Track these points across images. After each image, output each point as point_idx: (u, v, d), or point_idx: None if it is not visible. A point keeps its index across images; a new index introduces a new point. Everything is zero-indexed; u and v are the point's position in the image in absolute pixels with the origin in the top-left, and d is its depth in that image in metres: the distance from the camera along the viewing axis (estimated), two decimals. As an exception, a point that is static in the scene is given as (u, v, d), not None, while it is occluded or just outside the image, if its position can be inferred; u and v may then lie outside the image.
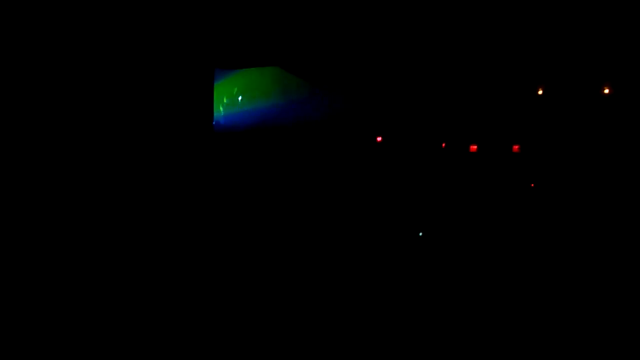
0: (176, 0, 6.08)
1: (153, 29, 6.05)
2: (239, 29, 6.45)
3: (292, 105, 7.69)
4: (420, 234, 4.92)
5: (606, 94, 5.76)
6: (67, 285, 4.00)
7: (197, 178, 6.27)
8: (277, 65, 7.14)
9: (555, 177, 5.94)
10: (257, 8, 6.35)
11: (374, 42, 6.61)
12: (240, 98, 8.14)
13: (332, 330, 3.43)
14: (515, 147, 6.18)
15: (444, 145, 6.49)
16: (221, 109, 9.00)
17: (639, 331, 3.31)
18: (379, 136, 6.75)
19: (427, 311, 3.71)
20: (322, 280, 4.21)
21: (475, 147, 6.34)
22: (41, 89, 5.45)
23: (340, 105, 7.25)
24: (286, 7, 6.36)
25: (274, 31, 6.59)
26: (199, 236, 5.18)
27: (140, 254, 4.66)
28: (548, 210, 5.61)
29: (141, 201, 5.66)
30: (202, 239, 5.13)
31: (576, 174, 5.84)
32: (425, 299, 3.89)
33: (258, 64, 7.01)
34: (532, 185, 5.95)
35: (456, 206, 5.93)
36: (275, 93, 7.82)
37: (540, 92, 6.15)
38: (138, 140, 6.00)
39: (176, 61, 6.32)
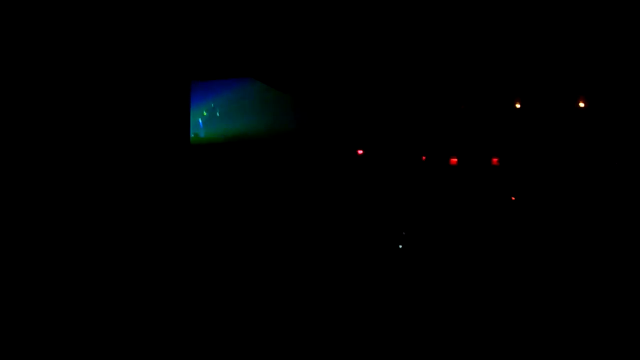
0: (151, 11, 5.91)
1: (126, 41, 5.88)
2: (214, 40, 6.32)
3: (271, 118, 7.58)
4: (400, 246, 4.92)
5: (581, 107, 5.89)
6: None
7: (175, 191, 6.12)
8: (253, 77, 6.99)
9: (535, 188, 5.99)
10: (233, 18, 6.23)
11: (352, 52, 6.55)
12: (217, 113, 8.04)
13: (313, 340, 3.48)
14: (495, 160, 6.23)
15: (424, 158, 6.50)
16: (200, 121, 8.83)
17: (624, 336, 3.39)
18: (360, 149, 6.69)
19: (407, 318, 3.78)
20: (301, 293, 4.23)
21: (456, 159, 6.35)
22: (14, 101, 5.22)
23: (318, 116, 7.19)
24: (262, 17, 6.26)
25: (249, 42, 6.48)
26: (178, 248, 5.14)
27: (110, 267, 4.61)
28: (528, 222, 5.65)
29: (115, 214, 5.46)
30: (182, 250, 5.11)
31: (555, 185, 5.90)
32: (406, 306, 3.98)
33: (233, 74, 6.85)
34: (513, 198, 5.99)
35: (437, 218, 5.94)
36: (254, 105, 7.71)
37: (517, 105, 6.20)
38: (112, 154, 5.80)
39: (151, 74, 6.16)
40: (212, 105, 7.58)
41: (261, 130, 7.52)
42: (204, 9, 5.97)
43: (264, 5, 6.06)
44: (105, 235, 5.14)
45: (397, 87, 6.56)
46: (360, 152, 6.66)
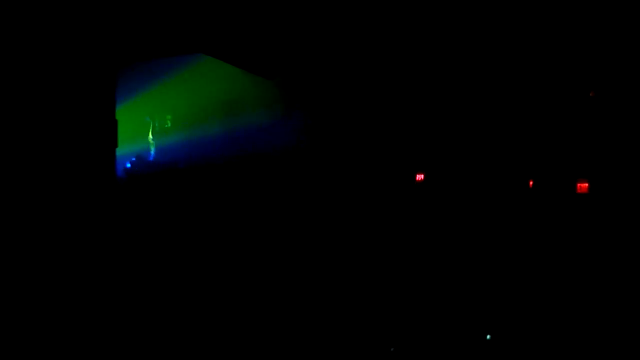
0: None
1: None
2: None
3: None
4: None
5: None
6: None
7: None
8: (203, 52, 4.68)
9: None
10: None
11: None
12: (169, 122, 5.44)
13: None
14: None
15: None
16: (150, 138, 6.23)
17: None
18: (420, 173, 5.57)
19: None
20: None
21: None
22: None
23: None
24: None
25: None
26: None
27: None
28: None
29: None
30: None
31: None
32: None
33: (178, 51, 4.38)
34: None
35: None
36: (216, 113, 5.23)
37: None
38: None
39: (53, 58, 3.56)
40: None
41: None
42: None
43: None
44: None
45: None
46: (420, 177, 5.74)
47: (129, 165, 5.67)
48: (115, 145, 4.08)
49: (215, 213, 5.55)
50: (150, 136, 6.28)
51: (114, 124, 4.03)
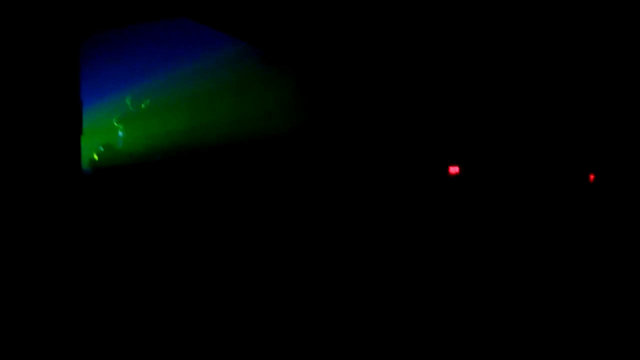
0: None
1: None
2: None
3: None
4: None
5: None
6: None
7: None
8: (186, 16, 3.79)
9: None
10: None
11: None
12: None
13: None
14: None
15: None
16: (116, 121, 5.46)
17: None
18: (455, 165, 5.35)
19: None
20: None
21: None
22: None
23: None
24: None
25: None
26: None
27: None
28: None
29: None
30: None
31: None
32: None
33: (156, 14, 3.68)
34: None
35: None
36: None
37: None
38: None
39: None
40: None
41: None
42: None
43: None
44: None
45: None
46: (454, 170, 5.61)
47: (96, 156, 4.91)
48: (80, 133, 3.35)
49: (197, 212, 4.91)
50: (116, 120, 5.48)
51: (78, 106, 3.28)
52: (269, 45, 4.49)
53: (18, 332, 3.29)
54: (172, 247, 4.64)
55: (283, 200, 5.51)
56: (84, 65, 3.63)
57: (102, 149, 5.24)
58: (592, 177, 5.85)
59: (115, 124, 5.49)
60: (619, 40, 5.69)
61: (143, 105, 5.18)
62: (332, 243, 5.15)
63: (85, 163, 4.61)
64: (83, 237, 3.90)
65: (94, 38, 4.48)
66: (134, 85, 5.06)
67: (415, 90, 5.88)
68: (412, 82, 5.86)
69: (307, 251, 4.97)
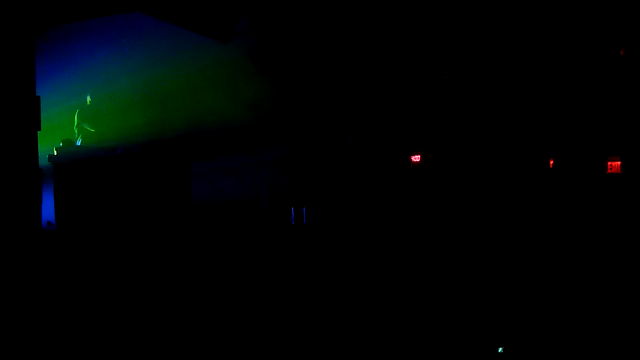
0: None
1: None
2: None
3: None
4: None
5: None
6: None
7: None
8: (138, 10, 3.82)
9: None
10: None
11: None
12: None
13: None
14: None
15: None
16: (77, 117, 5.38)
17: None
18: (417, 153, 5.47)
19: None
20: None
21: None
22: None
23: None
24: None
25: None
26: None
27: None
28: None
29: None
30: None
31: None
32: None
33: (110, 9, 3.67)
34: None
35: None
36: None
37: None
38: None
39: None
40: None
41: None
42: None
43: None
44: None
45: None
46: (416, 158, 5.63)
47: (54, 152, 4.83)
48: (38, 128, 3.32)
49: (156, 207, 4.87)
50: (76, 116, 5.37)
51: (35, 102, 3.26)
52: (223, 36, 4.51)
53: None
54: (132, 242, 4.59)
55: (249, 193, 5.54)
56: (41, 61, 3.60)
57: (61, 144, 5.16)
58: (551, 162, 5.88)
59: (75, 119, 5.41)
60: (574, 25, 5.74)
61: (102, 101, 5.12)
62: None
63: (44, 159, 4.54)
64: (40, 233, 3.84)
65: (51, 33, 4.41)
66: (93, 81, 5.00)
67: (382, 80, 5.97)
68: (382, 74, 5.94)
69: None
